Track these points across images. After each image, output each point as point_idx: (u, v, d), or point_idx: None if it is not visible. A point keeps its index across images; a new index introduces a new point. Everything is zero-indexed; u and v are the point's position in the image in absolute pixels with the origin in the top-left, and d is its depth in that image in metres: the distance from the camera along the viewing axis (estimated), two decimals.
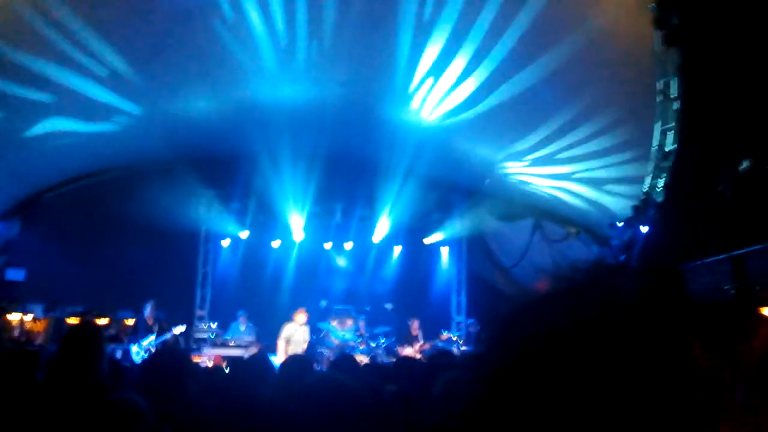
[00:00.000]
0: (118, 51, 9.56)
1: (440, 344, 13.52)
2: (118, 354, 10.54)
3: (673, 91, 9.04)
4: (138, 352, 11.34)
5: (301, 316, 12.31)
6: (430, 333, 13.97)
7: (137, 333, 11.79)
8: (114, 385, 3.76)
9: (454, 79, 10.73)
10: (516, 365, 0.89)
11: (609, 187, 11.59)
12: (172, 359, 3.29)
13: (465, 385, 0.99)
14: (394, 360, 12.84)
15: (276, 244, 16.07)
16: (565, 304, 0.92)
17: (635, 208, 10.21)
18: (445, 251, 17.04)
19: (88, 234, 13.41)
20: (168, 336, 11.58)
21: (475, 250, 16.54)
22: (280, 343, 12.01)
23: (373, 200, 15.31)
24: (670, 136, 9.40)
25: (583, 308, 0.89)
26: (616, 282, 0.95)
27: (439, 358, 4.69)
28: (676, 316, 0.89)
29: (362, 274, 16.46)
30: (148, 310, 12.06)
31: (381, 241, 16.25)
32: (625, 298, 0.91)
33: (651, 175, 9.93)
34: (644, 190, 10.06)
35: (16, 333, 11.28)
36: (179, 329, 12.10)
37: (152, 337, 11.57)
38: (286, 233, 15.80)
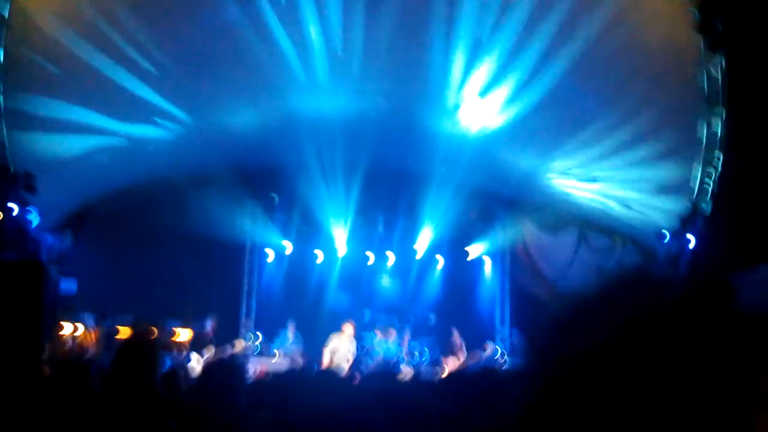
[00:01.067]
0: (164, 52, 9.71)
1: (484, 355, 13.47)
2: (168, 364, 10.72)
3: (719, 98, 8.92)
4: (198, 361, 11.58)
5: (348, 328, 12.40)
6: (474, 344, 13.91)
7: (198, 345, 12.05)
8: (169, 394, 3.85)
9: (496, 92, 10.72)
10: (562, 378, 0.90)
11: (655, 196, 11.43)
12: (226, 371, 3.37)
13: (514, 399, 1.00)
14: (438, 370, 12.84)
15: (320, 255, 16.17)
16: (611, 315, 0.91)
17: (682, 218, 10.07)
18: (488, 262, 16.95)
19: (137, 245, 13.64)
20: (227, 348, 11.77)
21: (518, 261, 16.43)
22: (326, 353, 12.11)
23: (416, 211, 15.31)
24: (716, 144, 9.26)
25: (630, 320, 0.89)
26: (662, 293, 0.94)
27: (486, 375, 4.68)
28: (725, 328, 0.90)
29: (405, 285, 16.46)
30: (209, 323, 12.33)
31: (424, 252, 16.24)
32: (672, 309, 0.90)
33: (698, 184, 9.78)
34: (691, 200, 9.91)
35: (69, 344, 11.51)
36: (240, 344, 12.32)
37: (212, 348, 11.79)
38: (329, 244, 15.88)
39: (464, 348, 13.60)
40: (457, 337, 13.68)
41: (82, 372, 4.74)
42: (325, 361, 12.05)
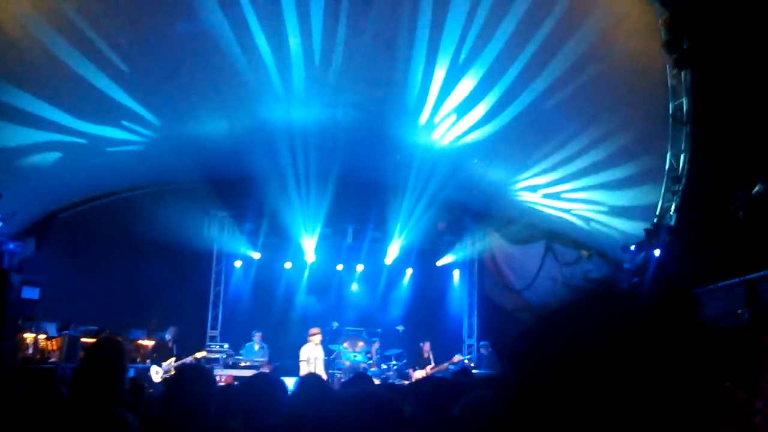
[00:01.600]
0: (139, 51, 9.37)
1: (452, 367, 13.45)
2: (131, 373, 10.58)
3: (684, 114, 9.08)
4: (158, 372, 11.44)
5: (316, 336, 12.34)
6: (442, 356, 13.90)
7: (158, 354, 11.91)
8: (134, 402, 3.79)
9: (467, 105, 10.80)
10: (533, 387, 0.90)
11: (621, 210, 11.57)
12: (197, 377, 3.32)
13: (486, 406, 1.00)
14: (405, 383, 12.79)
15: (288, 265, 16.08)
16: (577, 326, 0.92)
17: (647, 231, 10.19)
18: (456, 273, 17.01)
19: (102, 253, 13.47)
20: (188, 360, 11.67)
21: (486, 272, 16.51)
22: (303, 365, 12.04)
23: (385, 222, 15.34)
24: (682, 160, 9.41)
25: (595, 331, 0.90)
26: (627, 305, 0.95)
27: (459, 377, 4.68)
28: (688, 340, 0.91)
29: (374, 296, 16.43)
30: (170, 334, 12.20)
31: (392, 262, 16.25)
32: (636, 321, 0.91)
33: (663, 198, 9.93)
34: (656, 214, 10.05)
35: (30, 351, 11.30)
36: (200, 354, 12.22)
37: (173, 360, 11.67)
38: (297, 254, 15.81)
39: (432, 360, 13.59)
40: (426, 350, 13.65)
41: (45, 377, 4.66)
42: (303, 371, 11.97)
